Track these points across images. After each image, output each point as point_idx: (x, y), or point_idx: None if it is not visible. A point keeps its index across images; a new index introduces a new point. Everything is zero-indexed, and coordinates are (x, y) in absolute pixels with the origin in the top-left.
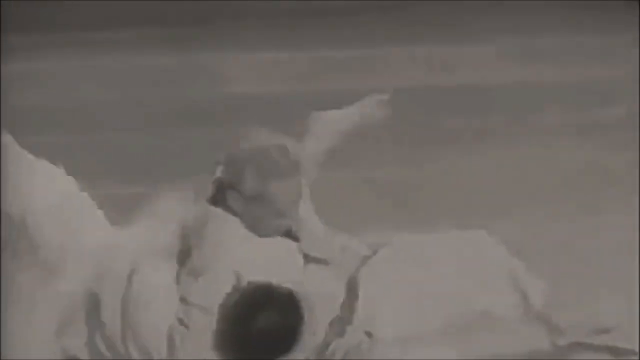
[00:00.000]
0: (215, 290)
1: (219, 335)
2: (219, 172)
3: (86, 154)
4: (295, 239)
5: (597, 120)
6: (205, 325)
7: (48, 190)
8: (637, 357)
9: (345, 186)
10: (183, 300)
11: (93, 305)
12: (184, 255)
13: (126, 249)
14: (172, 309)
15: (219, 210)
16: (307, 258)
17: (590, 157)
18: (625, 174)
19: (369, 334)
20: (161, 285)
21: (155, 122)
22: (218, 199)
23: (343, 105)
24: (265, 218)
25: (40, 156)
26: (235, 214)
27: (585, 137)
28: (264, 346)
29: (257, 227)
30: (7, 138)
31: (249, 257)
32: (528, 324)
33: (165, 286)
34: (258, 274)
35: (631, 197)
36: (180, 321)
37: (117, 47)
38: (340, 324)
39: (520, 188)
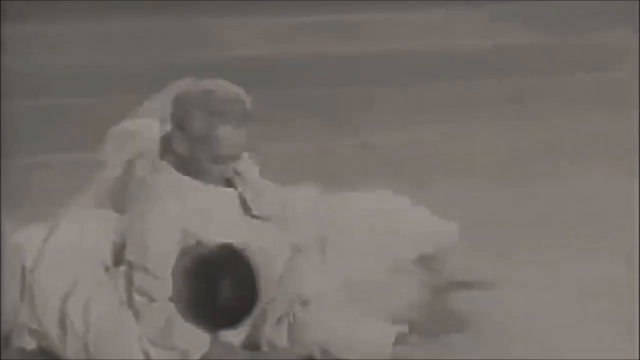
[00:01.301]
0: (166, 251)
1: (178, 302)
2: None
3: (87, 117)
4: (241, 195)
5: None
6: (165, 291)
7: None
8: None
9: (344, 151)
10: (134, 266)
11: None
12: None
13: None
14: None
15: (164, 164)
16: (250, 215)
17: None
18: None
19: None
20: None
21: (156, 85)
22: (165, 151)
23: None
24: (207, 162)
25: (41, 119)
26: (178, 159)
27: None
28: (225, 313)
29: (199, 173)
30: None
31: (193, 212)
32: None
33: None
34: (203, 230)
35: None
36: (139, 291)
37: (118, 12)
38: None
39: (515, 155)
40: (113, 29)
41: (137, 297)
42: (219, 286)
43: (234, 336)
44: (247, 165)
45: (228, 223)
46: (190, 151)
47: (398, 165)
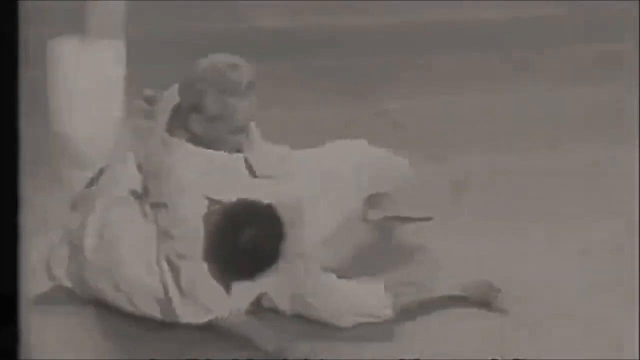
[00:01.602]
0: (193, 216)
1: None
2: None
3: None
4: (248, 164)
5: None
6: (198, 250)
7: None
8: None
9: (362, 120)
10: (166, 234)
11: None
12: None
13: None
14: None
15: (175, 139)
16: (255, 174)
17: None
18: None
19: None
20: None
21: (175, 57)
22: (173, 127)
23: (355, 40)
24: (224, 136)
25: None
26: (194, 136)
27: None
28: (250, 260)
29: (216, 146)
30: None
31: (210, 179)
32: None
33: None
34: (222, 193)
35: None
36: (174, 255)
37: None
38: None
39: (526, 124)
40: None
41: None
42: (240, 237)
43: (249, 290)
44: (252, 131)
45: (241, 185)
46: (208, 129)
47: (415, 134)
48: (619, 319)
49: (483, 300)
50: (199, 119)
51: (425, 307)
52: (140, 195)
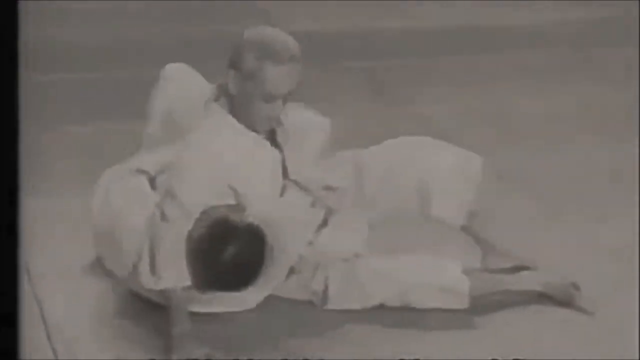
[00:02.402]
0: (201, 191)
1: (189, 258)
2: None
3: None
4: (279, 146)
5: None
6: (183, 225)
7: None
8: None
9: (398, 122)
10: (169, 193)
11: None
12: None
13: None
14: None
15: (217, 107)
16: (289, 180)
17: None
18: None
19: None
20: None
21: (204, 58)
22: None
23: (389, 45)
24: (256, 100)
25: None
26: (230, 102)
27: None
28: (230, 277)
29: (248, 114)
30: None
31: (236, 164)
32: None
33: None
34: (243, 183)
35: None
36: (162, 215)
37: None
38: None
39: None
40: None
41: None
42: (225, 249)
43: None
44: (294, 121)
45: (264, 184)
46: (242, 89)
47: (451, 135)
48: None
49: (564, 299)
50: (235, 77)
51: (505, 301)
52: (147, 172)
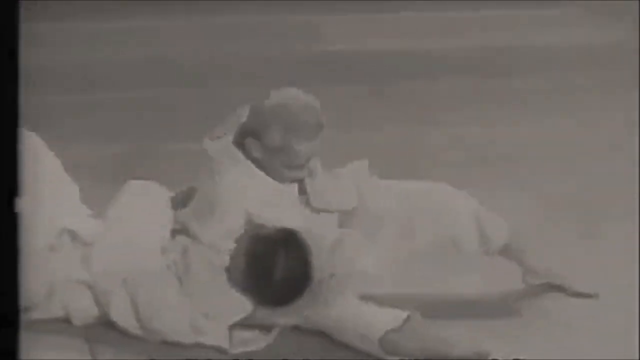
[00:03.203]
0: (227, 229)
1: (238, 275)
2: (243, 118)
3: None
4: (303, 188)
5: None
6: (217, 262)
7: None
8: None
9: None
10: (194, 237)
11: None
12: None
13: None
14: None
15: (236, 150)
16: (312, 208)
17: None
18: None
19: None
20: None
21: (253, 78)
22: (238, 141)
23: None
24: (281, 168)
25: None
26: (252, 159)
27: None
28: (281, 291)
29: (272, 175)
30: None
31: (259, 198)
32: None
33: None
34: (267, 216)
35: None
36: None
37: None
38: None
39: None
40: (210, 22)
41: (192, 268)
42: (275, 266)
43: (285, 316)
44: (315, 163)
45: (287, 212)
46: (266, 157)
47: (486, 158)
48: None
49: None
50: (256, 145)
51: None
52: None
